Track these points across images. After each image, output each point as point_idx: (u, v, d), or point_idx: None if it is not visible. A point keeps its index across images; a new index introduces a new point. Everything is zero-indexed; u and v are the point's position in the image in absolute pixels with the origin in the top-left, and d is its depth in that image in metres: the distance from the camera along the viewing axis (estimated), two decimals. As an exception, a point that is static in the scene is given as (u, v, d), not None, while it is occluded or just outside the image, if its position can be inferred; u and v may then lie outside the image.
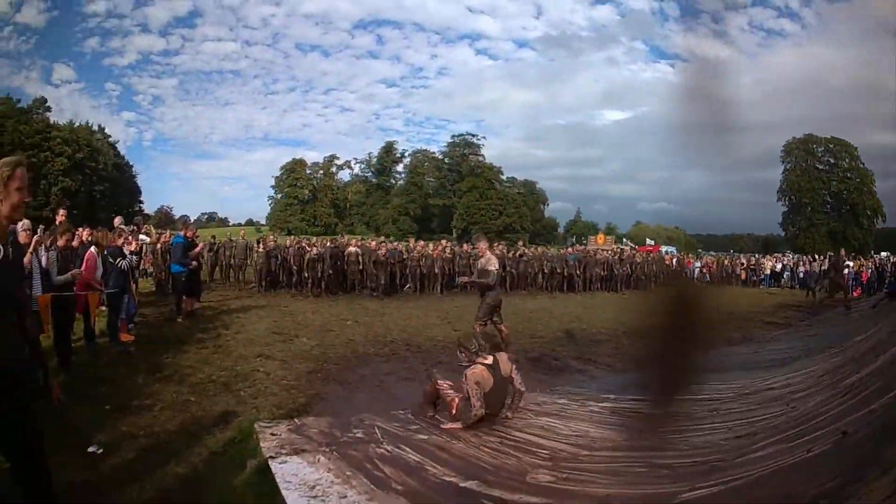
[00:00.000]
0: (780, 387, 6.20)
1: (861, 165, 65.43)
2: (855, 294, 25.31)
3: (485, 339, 5.88)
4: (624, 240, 63.29)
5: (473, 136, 71.19)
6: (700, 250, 62.61)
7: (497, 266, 9.42)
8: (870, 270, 27.90)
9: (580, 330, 12.99)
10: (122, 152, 59.55)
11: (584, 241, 59.37)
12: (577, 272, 23.51)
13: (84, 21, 60.15)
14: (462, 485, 3.79)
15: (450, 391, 5.58)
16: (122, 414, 5.65)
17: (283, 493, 3.58)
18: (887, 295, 18.45)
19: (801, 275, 31.57)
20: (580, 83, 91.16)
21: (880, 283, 26.48)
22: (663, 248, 45.58)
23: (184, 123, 74.53)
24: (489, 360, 5.57)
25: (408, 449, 4.46)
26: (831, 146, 65.89)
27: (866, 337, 7.66)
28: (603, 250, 31.44)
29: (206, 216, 75.67)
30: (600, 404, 6.17)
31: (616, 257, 26.59)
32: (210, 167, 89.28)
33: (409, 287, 19.14)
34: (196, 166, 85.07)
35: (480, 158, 70.15)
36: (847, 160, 65.62)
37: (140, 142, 68.61)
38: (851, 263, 30.74)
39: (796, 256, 42.94)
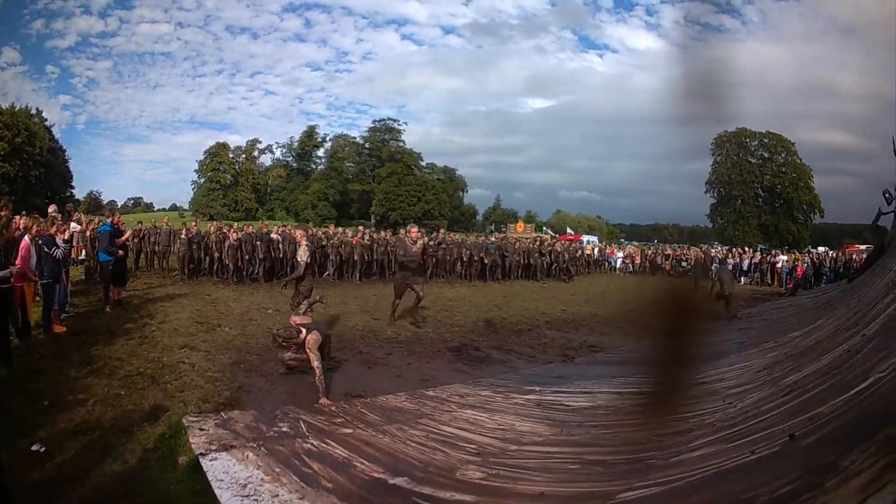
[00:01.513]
0: (712, 381, 6.23)
1: (798, 161, 68.90)
2: (788, 286, 26.75)
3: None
4: (544, 228, 64.94)
5: (395, 121, 73.78)
6: (623, 240, 64.69)
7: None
8: (805, 265, 29.54)
9: (500, 319, 13.47)
10: (57, 136, 60.32)
11: (503, 229, 60.79)
12: (497, 260, 24.24)
13: (34, 2, 61.84)
14: (391, 482, 3.81)
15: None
16: (59, 410, 5.89)
17: (216, 492, 3.61)
18: (791, 290, 19.42)
19: (730, 266, 33.20)
20: (506, 71, 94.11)
21: (817, 278, 28.19)
22: (584, 238, 46.61)
23: (115, 106, 75.19)
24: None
25: (334, 444, 4.49)
26: (766, 140, 68.96)
27: (805, 333, 7.85)
28: (522, 238, 32.63)
29: (132, 201, 76.94)
30: (525, 396, 6.28)
31: (535, 245, 27.40)
32: (138, 151, 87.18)
33: (328, 274, 19.77)
34: (125, 150, 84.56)
35: (401, 144, 72.38)
36: (783, 155, 68.89)
37: (74, 125, 69.60)
38: (786, 258, 32.49)
39: (725, 248, 45.05)
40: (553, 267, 26.83)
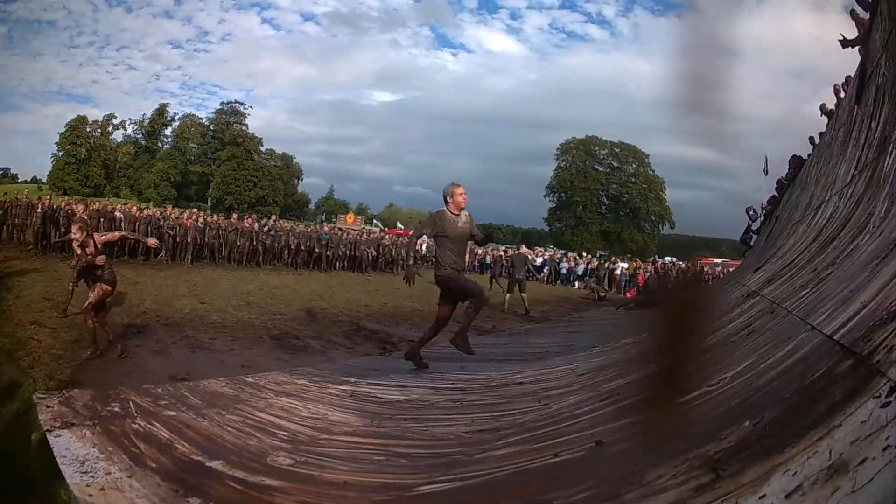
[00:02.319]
0: (531, 382, 6.43)
1: (651, 172, 73.64)
2: (629, 295, 28.42)
3: None
4: (374, 221, 66.01)
5: (242, 104, 75.90)
6: None
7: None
8: (647, 274, 31.47)
9: (322, 310, 13.96)
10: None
11: (334, 220, 61.43)
12: (327, 251, 25.38)
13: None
14: (208, 464, 3.88)
15: None
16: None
17: (61, 467, 3.62)
18: (635, 302, 20.72)
19: (564, 270, 34.87)
20: (358, 62, 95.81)
21: (660, 286, 30.05)
22: None
23: (1, 74, 75.23)
24: None
25: (159, 425, 4.57)
26: (617, 150, 73.34)
27: (637, 341, 7.93)
28: (352, 230, 33.74)
29: (0, 172, 76.72)
30: (339, 387, 6.34)
31: (363, 237, 28.60)
32: (11, 120, 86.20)
33: (162, 255, 20.42)
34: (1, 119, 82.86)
35: (244, 128, 74.35)
36: (634, 165, 73.41)
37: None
38: (626, 265, 34.53)
39: (560, 252, 47.41)
40: (379, 260, 28.02)
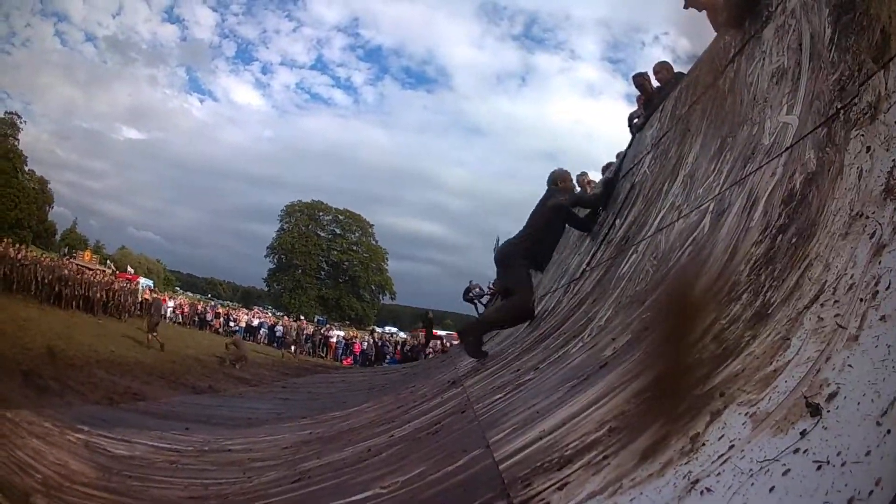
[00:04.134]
0: (240, 450, 6.40)
1: (374, 242, 76.41)
2: (345, 363, 29.11)
3: None
4: (108, 262, 62.73)
5: (20, 117, 69.52)
6: (178, 288, 64.71)
7: None
8: (365, 342, 32.41)
9: (61, 350, 13.52)
10: None
11: (75, 254, 57.74)
12: (65, 289, 24.13)
13: None
14: None
15: None
16: None
17: None
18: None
19: (279, 333, 35.04)
20: (117, 93, 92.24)
21: (378, 357, 31.02)
22: (142, 280, 45.53)
23: None
24: None
25: None
26: (341, 217, 75.48)
27: (345, 415, 8.21)
28: (88, 268, 31.99)
29: None
30: (76, 435, 6.22)
31: (97, 278, 27.56)
32: None
33: None
34: None
35: (17, 143, 67.63)
36: (357, 234, 75.84)
37: None
38: (342, 332, 35.41)
39: (278, 314, 47.60)
40: (109, 304, 26.73)
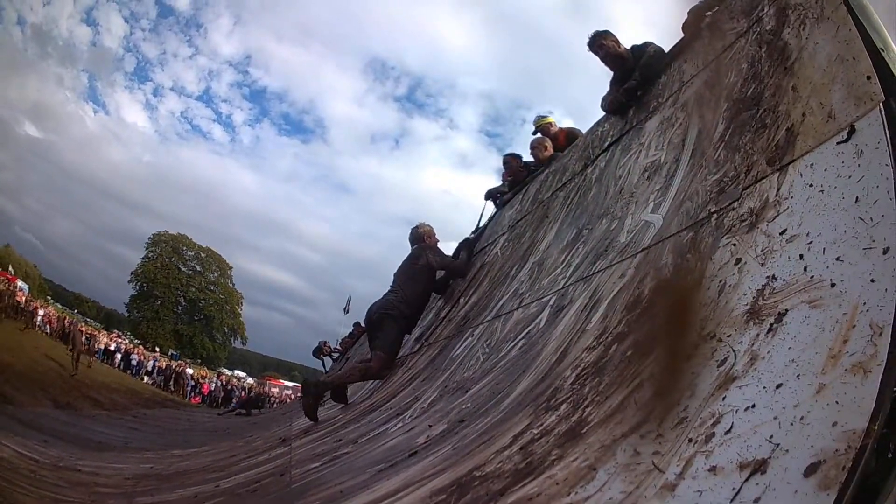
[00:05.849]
0: (88, 472, 5.62)
1: (231, 285, 75.37)
2: (193, 402, 28.49)
3: None
4: None
5: None
6: (49, 298, 61.61)
7: None
8: (214, 384, 31.84)
9: None
10: None
11: None
12: None
13: None
14: None
15: None
16: None
17: None
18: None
19: (134, 361, 34.02)
20: (28, 84, 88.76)
21: (226, 399, 30.46)
22: (19, 283, 43.35)
23: None
24: None
25: None
26: (203, 255, 74.39)
27: (186, 454, 8.01)
28: None
29: None
30: None
31: None
32: None
33: None
34: None
35: None
36: (216, 274, 74.67)
37: None
38: (192, 371, 34.70)
39: (136, 342, 46.11)
40: None
